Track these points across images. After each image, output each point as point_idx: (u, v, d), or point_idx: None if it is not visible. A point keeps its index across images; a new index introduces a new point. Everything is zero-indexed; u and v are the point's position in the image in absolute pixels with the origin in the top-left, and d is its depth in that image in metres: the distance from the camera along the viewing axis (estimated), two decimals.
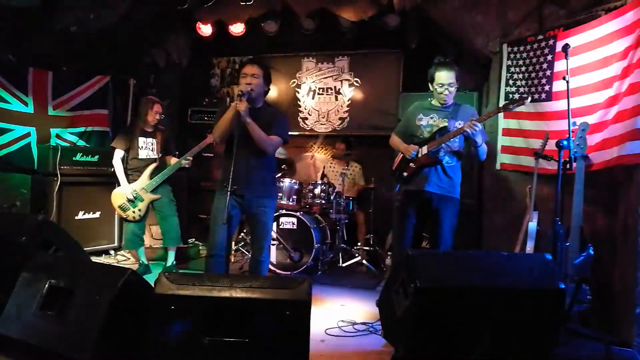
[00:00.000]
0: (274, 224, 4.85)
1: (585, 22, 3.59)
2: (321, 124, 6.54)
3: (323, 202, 5.22)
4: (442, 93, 3.41)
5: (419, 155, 3.44)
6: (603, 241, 3.31)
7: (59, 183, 4.90)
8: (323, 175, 5.49)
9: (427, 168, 3.42)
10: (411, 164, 3.49)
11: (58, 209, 4.92)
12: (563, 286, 2.47)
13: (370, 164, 5.92)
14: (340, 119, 6.46)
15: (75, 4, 4.87)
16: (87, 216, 5.22)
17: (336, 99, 6.48)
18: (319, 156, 6.56)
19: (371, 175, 5.68)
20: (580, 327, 3.01)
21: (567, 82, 3.18)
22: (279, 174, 5.30)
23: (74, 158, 5.12)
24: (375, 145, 5.91)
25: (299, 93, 6.64)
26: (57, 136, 5.45)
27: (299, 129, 6.58)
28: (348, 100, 6.42)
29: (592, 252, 3.16)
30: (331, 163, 6.06)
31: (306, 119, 6.61)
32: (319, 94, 6.56)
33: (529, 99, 3.17)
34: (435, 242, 3.44)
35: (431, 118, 3.50)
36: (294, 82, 6.65)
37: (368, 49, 6.26)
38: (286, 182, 5.11)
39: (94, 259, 5.04)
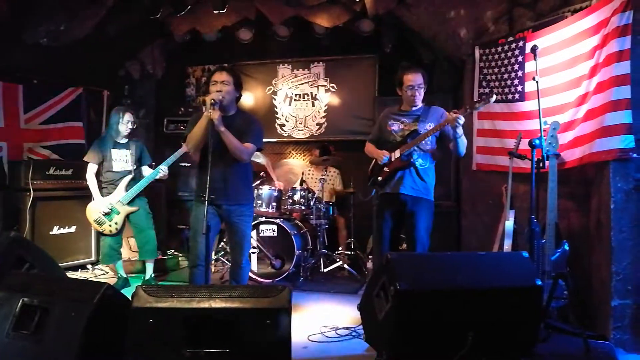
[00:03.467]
0: (254, 232, 4.82)
1: (553, 24, 3.67)
2: (299, 130, 6.55)
3: (303, 208, 5.21)
4: (412, 95, 3.45)
5: (392, 159, 3.49)
6: (578, 237, 3.38)
7: (31, 198, 4.79)
8: (302, 182, 5.48)
9: (401, 171, 3.46)
10: (385, 168, 3.53)
11: (32, 224, 4.80)
12: (540, 283, 2.51)
13: (348, 169, 5.92)
14: (317, 124, 6.47)
15: (46, 16, 4.77)
16: (62, 231, 5.10)
17: (313, 104, 6.49)
18: (296, 162, 6.56)
19: (350, 180, 5.68)
20: (559, 322, 3.06)
21: (537, 82, 3.24)
22: (258, 182, 5.28)
23: (46, 172, 5.01)
24: (353, 149, 5.92)
25: (275, 100, 6.63)
26: (30, 150, 5.33)
27: (277, 136, 6.59)
28: (325, 106, 6.44)
29: (567, 248, 3.21)
30: (310, 169, 6.06)
31: (283, 125, 6.60)
32: (295, 100, 6.56)
33: (494, 97, 3.20)
34: (412, 244, 3.47)
35: (402, 123, 3.55)
36: (270, 89, 6.65)
37: (343, 54, 6.31)
38: (265, 190, 5.09)
39: (71, 274, 4.94)
